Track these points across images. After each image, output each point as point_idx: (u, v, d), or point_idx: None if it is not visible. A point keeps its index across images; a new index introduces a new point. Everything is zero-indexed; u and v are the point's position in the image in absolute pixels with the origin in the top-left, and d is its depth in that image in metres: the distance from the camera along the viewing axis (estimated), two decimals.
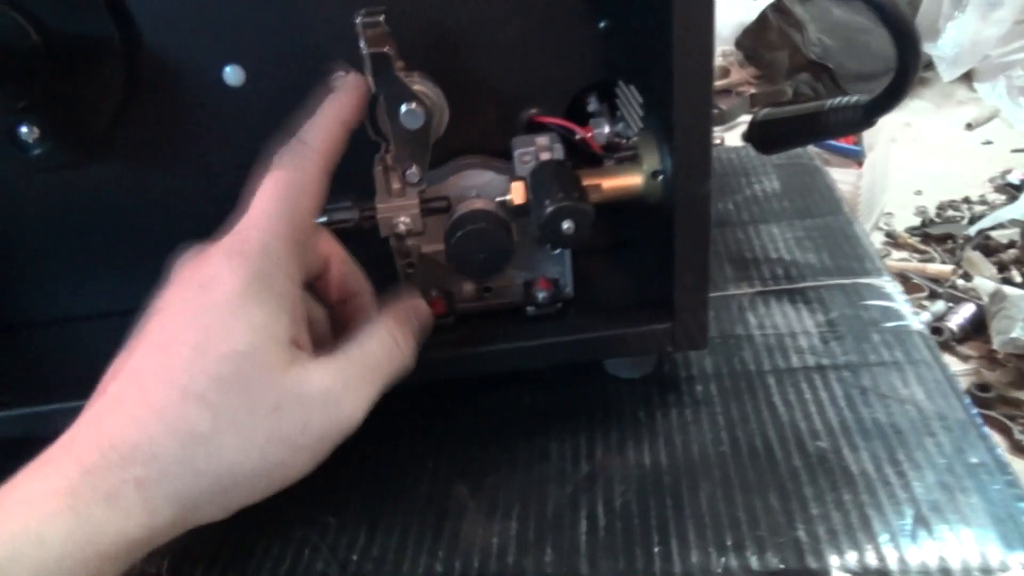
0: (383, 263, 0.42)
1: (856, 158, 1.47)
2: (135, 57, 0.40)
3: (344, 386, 0.33)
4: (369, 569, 0.37)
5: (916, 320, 0.48)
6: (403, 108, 0.37)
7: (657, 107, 0.40)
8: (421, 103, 0.37)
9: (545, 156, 0.41)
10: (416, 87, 0.37)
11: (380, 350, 0.35)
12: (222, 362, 0.31)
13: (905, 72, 0.44)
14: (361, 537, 0.38)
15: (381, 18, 0.36)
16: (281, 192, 0.34)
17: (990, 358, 1.31)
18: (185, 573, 0.37)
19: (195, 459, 0.30)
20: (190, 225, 0.35)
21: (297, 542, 0.38)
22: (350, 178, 0.41)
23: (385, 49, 0.35)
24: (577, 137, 0.43)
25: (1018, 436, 1.15)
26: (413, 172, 0.39)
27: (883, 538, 0.35)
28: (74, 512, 0.28)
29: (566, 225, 0.37)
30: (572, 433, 0.42)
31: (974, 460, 0.38)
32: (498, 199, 0.42)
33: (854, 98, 0.48)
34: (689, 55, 0.35)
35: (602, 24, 0.42)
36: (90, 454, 0.29)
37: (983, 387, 1.23)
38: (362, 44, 0.36)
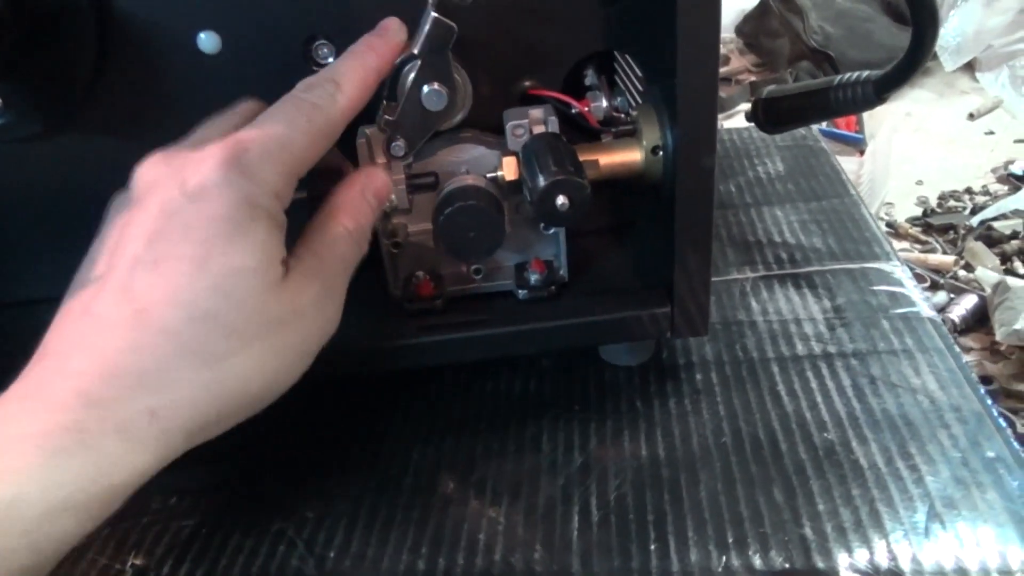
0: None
1: (858, 146, 1.46)
2: (105, 23, 0.38)
3: (327, 291, 0.33)
4: (347, 566, 0.35)
5: (927, 306, 0.46)
6: (432, 86, 0.36)
7: (659, 79, 0.38)
8: (452, 90, 0.36)
9: (539, 129, 0.39)
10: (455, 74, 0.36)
11: (344, 246, 0.34)
12: (228, 278, 0.29)
13: (919, 46, 0.42)
14: (340, 532, 0.36)
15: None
16: (298, 120, 0.33)
17: (992, 350, 1.29)
18: (153, 569, 0.35)
19: (210, 382, 0.29)
20: None
21: (272, 536, 0.36)
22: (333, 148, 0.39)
23: (453, 24, 0.34)
24: (573, 111, 0.41)
25: (1022, 429, 1.14)
26: (399, 145, 0.37)
27: (895, 535, 0.33)
28: (84, 447, 0.27)
29: (561, 200, 0.35)
30: (565, 423, 0.41)
31: (991, 454, 0.36)
32: (489, 175, 0.40)
33: (864, 74, 0.46)
34: (695, 20, 0.33)
35: None
36: (91, 383, 0.28)
37: (986, 379, 1.21)
38: (431, 5, 0.34)
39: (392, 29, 0.36)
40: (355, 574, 0.34)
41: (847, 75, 0.47)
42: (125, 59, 0.39)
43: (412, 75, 0.36)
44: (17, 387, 0.28)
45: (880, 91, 0.45)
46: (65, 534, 0.27)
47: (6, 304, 0.45)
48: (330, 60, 0.40)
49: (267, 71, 0.38)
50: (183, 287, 0.29)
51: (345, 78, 0.34)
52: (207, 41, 0.39)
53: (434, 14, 0.34)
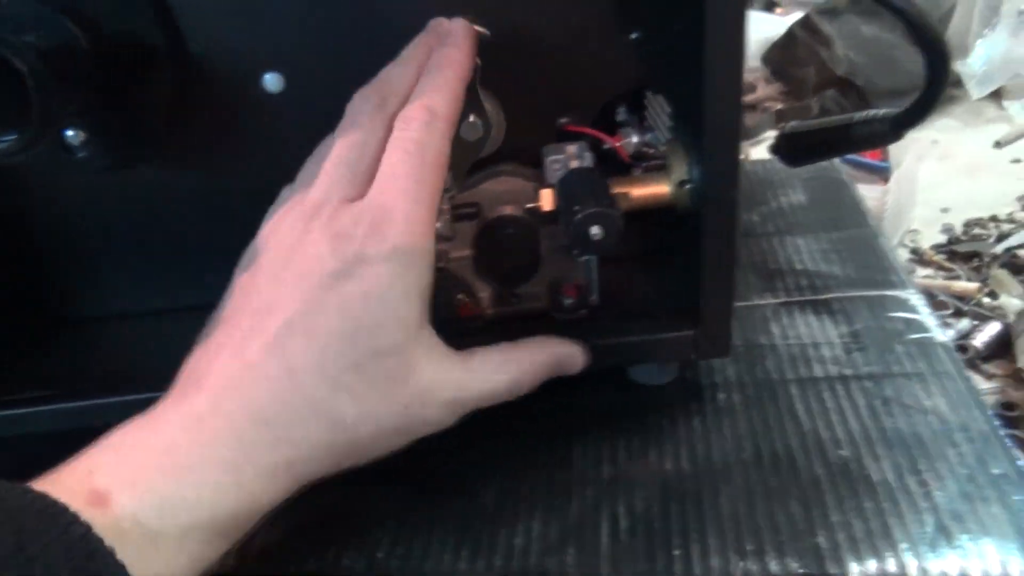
0: None
1: (883, 174, 1.47)
2: (180, 63, 0.41)
3: (458, 402, 0.36)
4: (395, 566, 0.37)
5: (940, 332, 0.48)
6: (468, 118, 0.38)
7: (686, 117, 0.41)
8: (486, 119, 0.38)
9: (575, 164, 0.42)
10: (485, 103, 0.39)
11: (504, 385, 0.37)
12: (371, 358, 0.32)
13: (934, 85, 0.44)
14: (388, 534, 0.39)
15: (485, 30, 0.37)
16: (417, 168, 0.33)
17: (1016, 377, 1.29)
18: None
19: (336, 444, 0.32)
20: (235, 226, 0.37)
21: (325, 536, 0.39)
22: None
23: (477, 59, 0.37)
24: (606, 146, 0.44)
25: None
26: (447, 178, 0.40)
27: (903, 546, 0.35)
28: (238, 486, 0.30)
29: (595, 231, 0.38)
30: (595, 438, 0.43)
31: (996, 471, 0.38)
32: (527, 205, 0.42)
33: (882, 111, 0.48)
34: (721, 63, 0.35)
35: (634, 35, 0.43)
36: (247, 427, 0.31)
37: (1009, 406, 1.22)
38: None
39: (460, 34, 0.37)
40: (402, 573, 0.37)
41: (866, 112, 0.50)
42: (197, 98, 0.42)
43: None
44: (170, 412, 0.32)
45: (897, 128, 0.48)
46: (214, 556, 0.31)
47: (95, 319, 0.49)
48: None
49: (328, 109, 0.41)
50: (330, 360, 0.32)
51: (436, 101, 0.35)
52: (272, 82, 0.42)
53: None
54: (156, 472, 0.30)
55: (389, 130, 0.35)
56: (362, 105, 0.36)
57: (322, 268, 0.32)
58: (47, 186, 0.45)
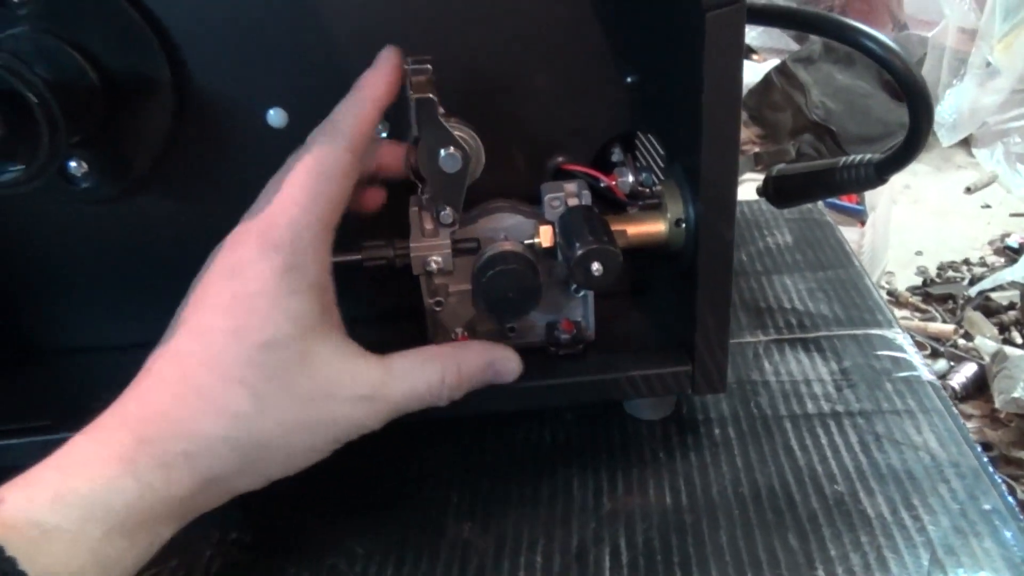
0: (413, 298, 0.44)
1: (859, 217, 1.50)
2: (184, 97, 0.42)
3: (376, 399, 0.35)
4: None
5: (927, 371, 0.49)
6: (443, 152, 0.38)
7: (681, 157, 0.42)
8: (460, 148, 0.39)
9: (573, 202, 0.42)
10: (456, 132, 0.39)
11: (423, 384, 0.37)
12: (259, 349, 0.33)
13: (917, 132, 0.46)
14: (389, 567, 0.39)
15: (428, 66, 0.38)
16: (311, 179, 0.35)
17: (992, 417, 1.32)
18: None
19: (234, 437, 0.32)
20: None
21: (327, 570, 0.39)
22: (385, 217, 0.43)
23: (430, 95, 0.37)
24: (602, 185, 0.45)
25: (1022, 495, 1.15)
26: (447, 214, 0.41)
27: None
28: (135, 478, 0.30)
29: (596, 267, 0.39)
30: (594, 472, 0.43)
31: (987, 506, 0.39)
32: (526, 241, 0.43)
33: (867, 156, 0.50)
34: (718, 107, 0.36)
35: (629, 79, 0.44)
36: (143, 425, 0.32)
37: (986, 446, 1.24)
38: (408, 89, 0.38)
39: (379, 57, 0.38)
40: None
41: (851, 157, 0.51)
42: (199, 131, 0.42)
43: (425, 152, 0.39)
44: (90, 428, 0.32)
45: (881, 172, 0.49)
46: (122, 557, 0.30)
47: (82, 350, 0.48)
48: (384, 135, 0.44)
49: None
50: (218, 355, 0.33)
51: (340, 116, 0.37)
52: (275, 117, 0.43)
53: (416, 96, 0.37)
54: (52, 471, 0.30)
55: None
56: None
57: (218, 273, 0.34)
58: (39, 216, 0.45)
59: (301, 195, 0.35)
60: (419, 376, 0.37)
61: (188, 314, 0.34)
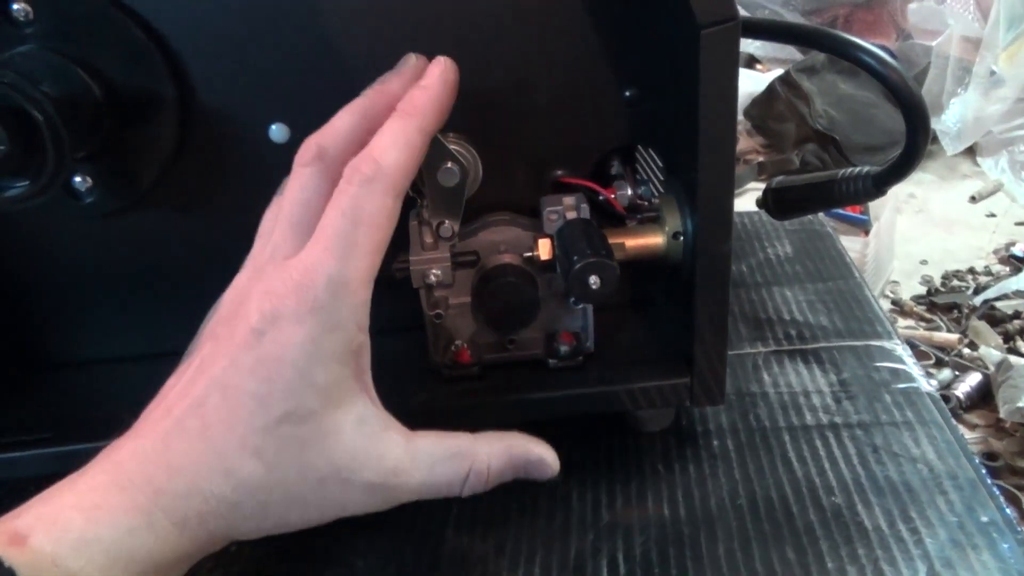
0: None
1: (863, 226, 1.50)
2: (188, 113, 0.42)
3: (389, 488, 0.34)
4: None
5: (926, 382, 0.49)
6: (441, 167, 0.39)
7: (679, 171, 0.43)
8: (458, 162, 0.39)
9: (572, 215, 0.43)
10: (453, 147, 0.40)
11: (444, 479, 0.35)
12: (283, 423, 0.31)
13: (914, 145, 0.46)
14: None
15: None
16: (349, 228, 0.32)
17: (997, 427, 1.31)
18: None
19: (243, 504, 0.32)
20: (231, 274, 0.37)
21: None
22: None
23: None
24: (601, 198, 0.45)
25: None
26: (447, 227, 0.41)
27: None
28: (152, 530, 0.30)
29: (593, 280, 0.39)
30: (593, 483, 0.44)
31: (984, 519, 0.39)
32: (525, 254, 0.43)
33: (865, 169, 0.50)
34: (714, 123, 0.37)
35: (628, 93, 0.44)
36: (160, 475, 0.31)
37: (991, 456, 1.23)
38: None
39: (432, 76, 0.35)
40: None
41: (849, 169, 0.51)
42: (203, 147, 0.43)
43: (423, 168, 0.38)
44: (110, 463, 0.32)
45: (879, 185, 0.49)
46: None
47: (87, 362, 0.49)
48: None
49: None
50: (241, 420, 0.31)
51: (384, 153, 0.33)
52: (278, 132, 0.43)
53: None
54: (75, 512, 0.30)
55: (333, 182, 0.33)
56: (303, 155, 0.35)
57: (247, 326, 0.32)
58: (45, 231, 0.45)
59: (340, 245, 0.32)
60: (442, 469, 0.34)
61: (215, 361, 0.32)
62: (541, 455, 0.37)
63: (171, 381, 0.35)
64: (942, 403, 0.48)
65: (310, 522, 0.34)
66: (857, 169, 0.51)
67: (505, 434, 0.37)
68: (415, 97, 0.35)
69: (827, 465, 0.43)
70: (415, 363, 0.45)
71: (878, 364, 0.51)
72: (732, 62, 0.36)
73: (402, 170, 0.33)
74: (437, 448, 0.34)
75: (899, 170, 0.47)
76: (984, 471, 0.42)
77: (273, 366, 0.31)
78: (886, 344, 0.52)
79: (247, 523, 0.33)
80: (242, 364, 0.32)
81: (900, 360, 0.51)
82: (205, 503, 0.31)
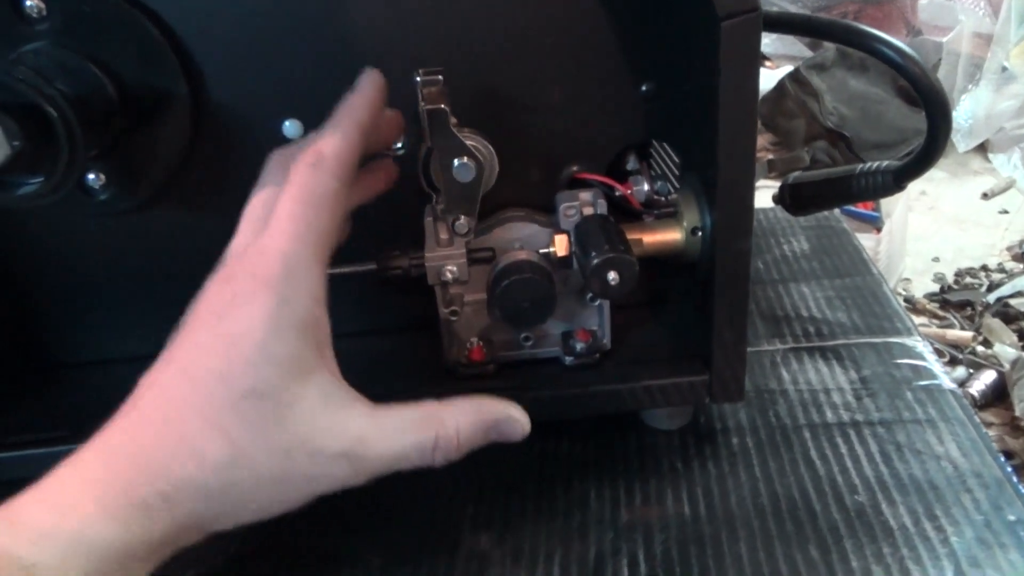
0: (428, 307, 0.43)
1: (875, 224, 1.49)
2: (201, 109, 0.42)
3: (356, 458, 0.33)
4: None
5: (947, 379, 0.48)
6: (456, 162, 0.38)
7: (697, 166, 0.42)
8: (474, 157, 0.39)
9: (589, 211, 0.42)
10: (469, 142, 0.39)
11: (412, 447, 0.34)
12: (244, 398, 0.32)
13: (935, 138, 0.45)
14: None
15: (440, 77, 0.38)
16: (300, 209, 0.34)
17: (1013, 425, 1.30)
18: None
19: (208, 483, 0.32)
20: None
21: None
22: (400, 226, 0.43)
23: (441, 105, 0.37)
24: (617, 194, 0.45)
25: None
26: (462, 223, 0.40)
27: None
28: (115, 519, 0.30)
29: (612, 276, 0.39)
30: (611, 482, 0.43)
31: (1012, 517, 0.38)
32: (541, 251, 0.43)
33: (884, 163, 0.50)
34: (734, 117, 0.36)
35: (644, 88, 0.44)
36: (125, 464, 0.31)
37: (1007, 454, 1.22)
38: (420, 100, 0.38)
39: (361, 79, 0.38)
40: None
41: (868, 164, 0.51)
42: (216, 144, 0.43)
43: (439, 163, 0.38)
44: (74, 459, 0.32)
45: (899, 180, 0.49)
46: None
47: (101, 362, 0.49)
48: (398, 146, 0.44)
49: None
50: (204, 399, 0.32)
51: (325, 143, 0.35)
52: (291, 128, 0.43)
53: (427, 107, 0.37)
54: (35, 505, 0.30)
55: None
56: (269, 162, 0.38)
57: (208, 311, 0.33)
58: (58, 229, 0.45)
59: (291, 226, 0.33)
60: (409, 438, 0.34)
61: (179, 349, 0.33)
62: (509, 413, 0.37)
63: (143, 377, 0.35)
64: (964, 400, 0.47)
65: (284, 503, 0.33)
66: (876, 164, 0.50)
67: (472, 397, 0.37)
68: (349, 99, 0.38)
69: (849, 463, 0.43)
70: (428, 362, 0.45)
71: (898, 361, 0.50)
72: (753, 54, 0.36)
73: (340, 157, 0.35)
74: (402, 415, 0.35)
75: (919, 164, 0.47)
76: (1010, 469, 0.41)
77: (232, 342, 0.32)
78: (906, 341, 0.52)
79: (218, 506, 0.32)
80: (202, 345, 0.32)
81: (921, 357, 0.50)
82: (170, 485, 0.31)
